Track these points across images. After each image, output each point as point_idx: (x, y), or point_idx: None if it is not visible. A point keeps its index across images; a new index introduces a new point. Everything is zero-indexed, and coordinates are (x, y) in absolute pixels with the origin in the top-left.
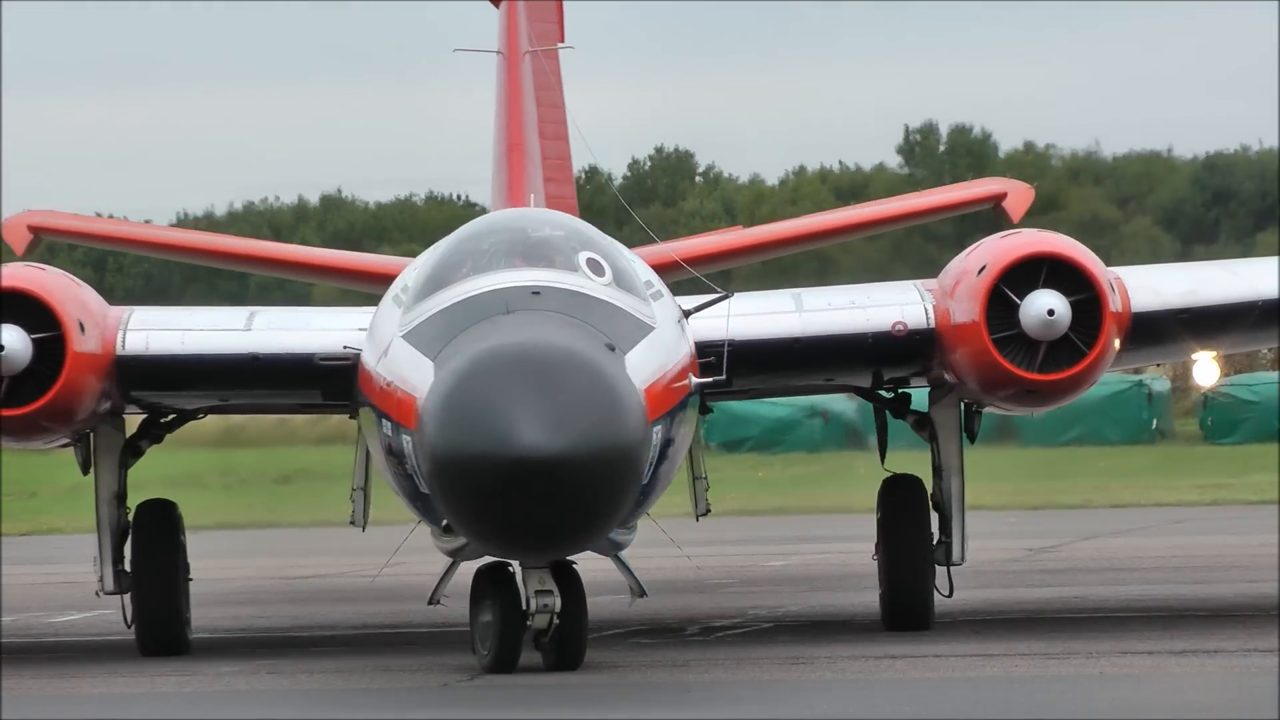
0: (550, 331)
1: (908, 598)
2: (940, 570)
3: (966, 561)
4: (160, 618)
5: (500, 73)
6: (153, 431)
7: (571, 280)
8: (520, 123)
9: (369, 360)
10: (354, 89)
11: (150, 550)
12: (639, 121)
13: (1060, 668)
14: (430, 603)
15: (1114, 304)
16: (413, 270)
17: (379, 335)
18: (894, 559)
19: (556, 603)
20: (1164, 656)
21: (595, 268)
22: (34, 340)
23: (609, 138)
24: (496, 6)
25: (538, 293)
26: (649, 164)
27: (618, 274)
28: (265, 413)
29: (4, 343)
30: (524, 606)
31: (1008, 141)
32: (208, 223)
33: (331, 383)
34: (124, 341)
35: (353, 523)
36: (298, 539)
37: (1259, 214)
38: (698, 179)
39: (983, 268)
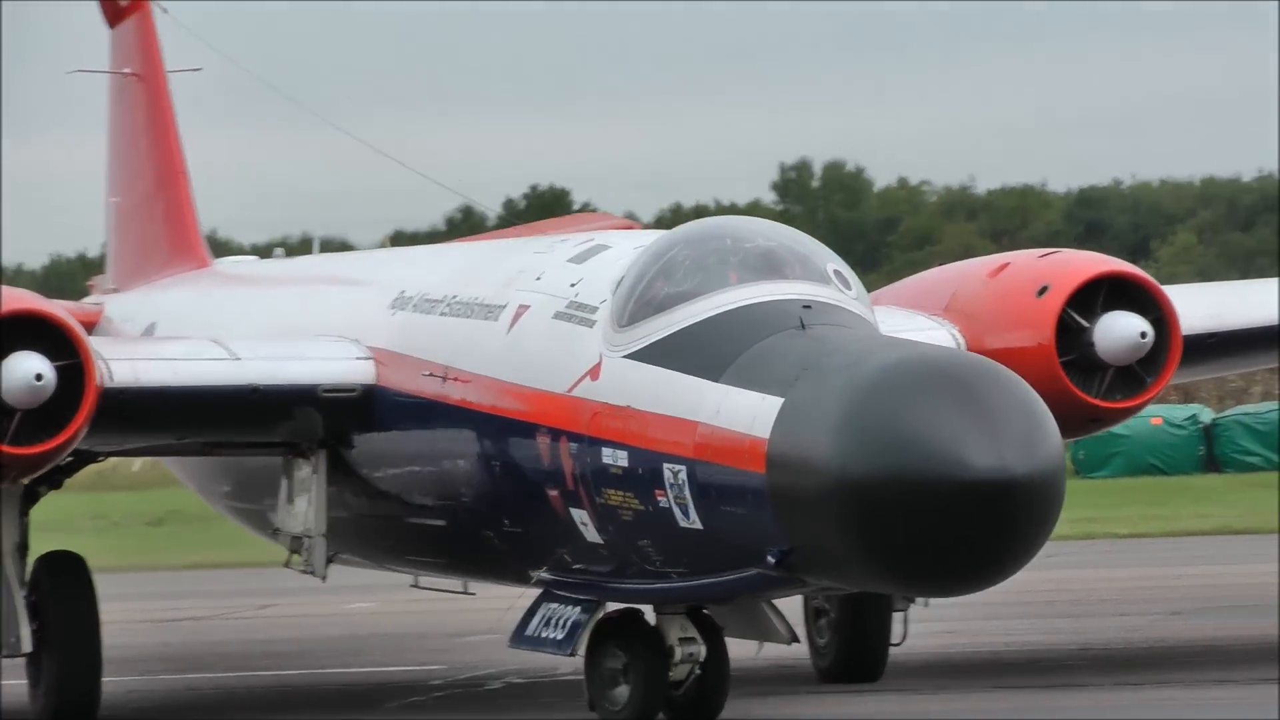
0: (917, 346)
1: (859, 646)
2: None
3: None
4: (75, 684)
5: (129, 96)
6: (55, 476)
7: (830, 294)
8: (179, 147)
9: (547, 386)
10: None
11: (60, 608)
12: (514, 161)
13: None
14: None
15: (1182, 327)
16: (580, 283)
17: (549, 359)
18: (848, 603)
19: (702, 651)
20: (1037, 692)
21: (843, 281)
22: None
23: (484, 177)
24: (113, 27)
25: (809, 307)
26: (524, 203)
27: (858, 288)
28: (231, 454)
29: (40, 370)
30: (667, 655)
31: (882, 178)
32: None
33: (335, 417)
34: (110, 371)
35: (310, 571)
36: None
37: (1132, 247)
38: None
39: (1044, 288)
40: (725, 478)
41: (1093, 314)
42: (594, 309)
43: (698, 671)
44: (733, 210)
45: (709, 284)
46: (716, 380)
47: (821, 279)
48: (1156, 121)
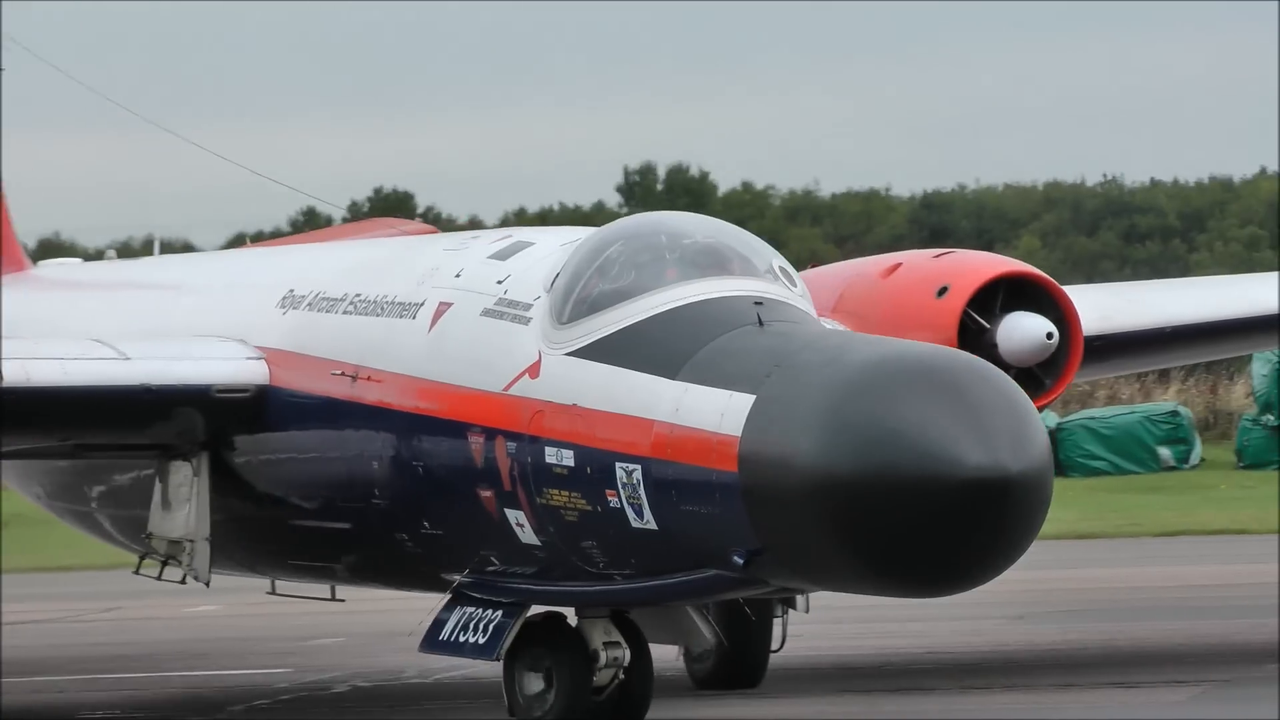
0: (894, 342)
1: (741, 652)
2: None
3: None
4: None
5: None
6: None
7: (779, 291)
8: None
9: (479, 385)
10: None
11: None
12: (358, 164)
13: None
14: None
15: (1084, 328)
16: (509, 280)
17: (480, 358)
18: (728, 609)
19: (626, 656)
20: (884, 696)
21: (788, 277)
22: None
23: (327, 180)
24: None
25: (760, 303)
26: (368, 206)
27: (801, 285)
28: (101, 457)
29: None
30: (591, 660)
31: (726, 181)
32: None
33: (225, 418)
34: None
35: (194, 579)
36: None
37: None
38: (417, 218)
39: (944, 289)
40: (688, 476)
41: (991, 315)
42: (527, 305)
43: (621, 677)
44: (576, 213)
45: (654, 280)
46: (672, 378)
47: (768, 275)
48: (1000, 126)
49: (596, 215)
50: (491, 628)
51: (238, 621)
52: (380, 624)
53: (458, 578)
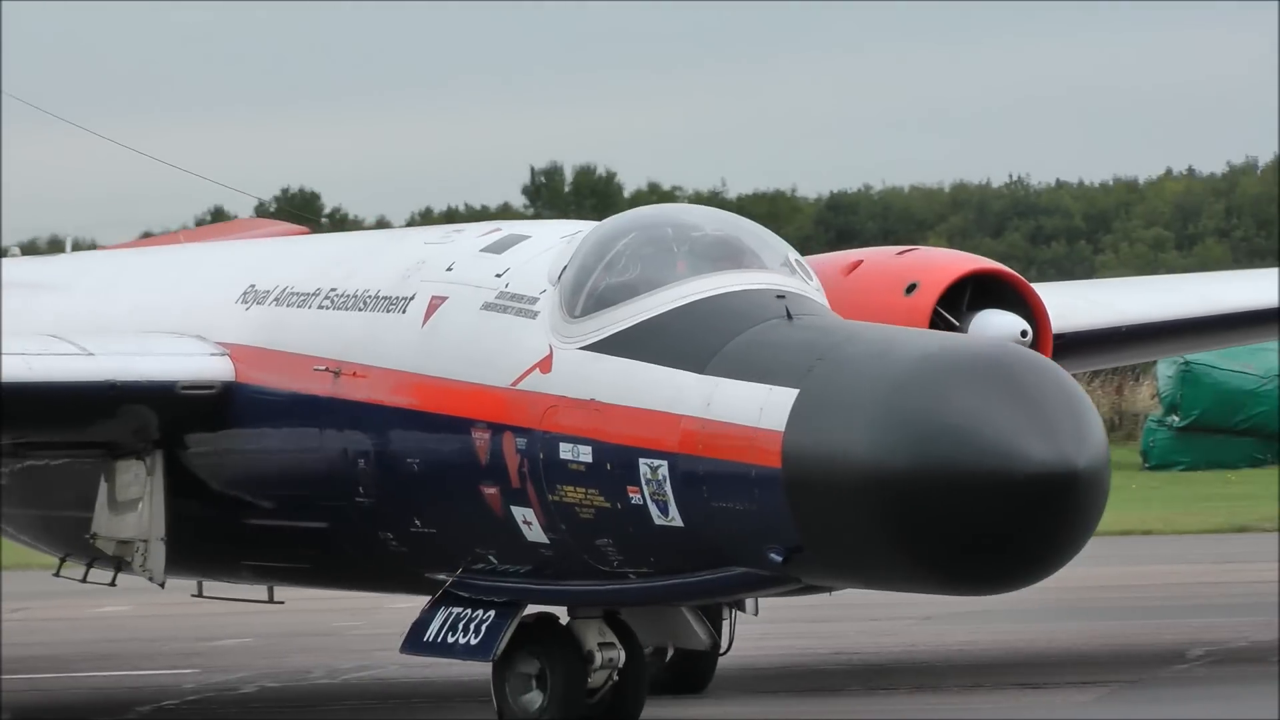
0: (942, 335)
1: (689, 654)
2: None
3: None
4: None
5: None
6: None
7: (797, 284)
8: None
9: (483, 380)
10: None
11: None
12: (266, 164)
13: None
14: None
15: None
16: (508, 273)
17: (483, 352)
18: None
19: (621, 657)
20: (799, 698)
21: (804, 271)
22: None
23: (233, 179)
24: None
25: (782, 296)
26: (274, 205)
27: (816, 279)
28: (43, 457)
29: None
30: (586, 661)
31: (633, 182)
32: None
33: (188, 416)
34: None
35: (150, 580)
36: None
37: None
38: (324, 220)
39: (913, 286)
40: (722, 472)
41: (959, 312)
42: (533, 299)
43: (615, 679)
44: (483, 214)
45: (670, 273)
46: (700, 372)
47: (784, 268)
48: (907, 127)
49: (502, 216)
50: (485, 628)
51: (145, 622)
52: (287, 625)
53: (444, 577)
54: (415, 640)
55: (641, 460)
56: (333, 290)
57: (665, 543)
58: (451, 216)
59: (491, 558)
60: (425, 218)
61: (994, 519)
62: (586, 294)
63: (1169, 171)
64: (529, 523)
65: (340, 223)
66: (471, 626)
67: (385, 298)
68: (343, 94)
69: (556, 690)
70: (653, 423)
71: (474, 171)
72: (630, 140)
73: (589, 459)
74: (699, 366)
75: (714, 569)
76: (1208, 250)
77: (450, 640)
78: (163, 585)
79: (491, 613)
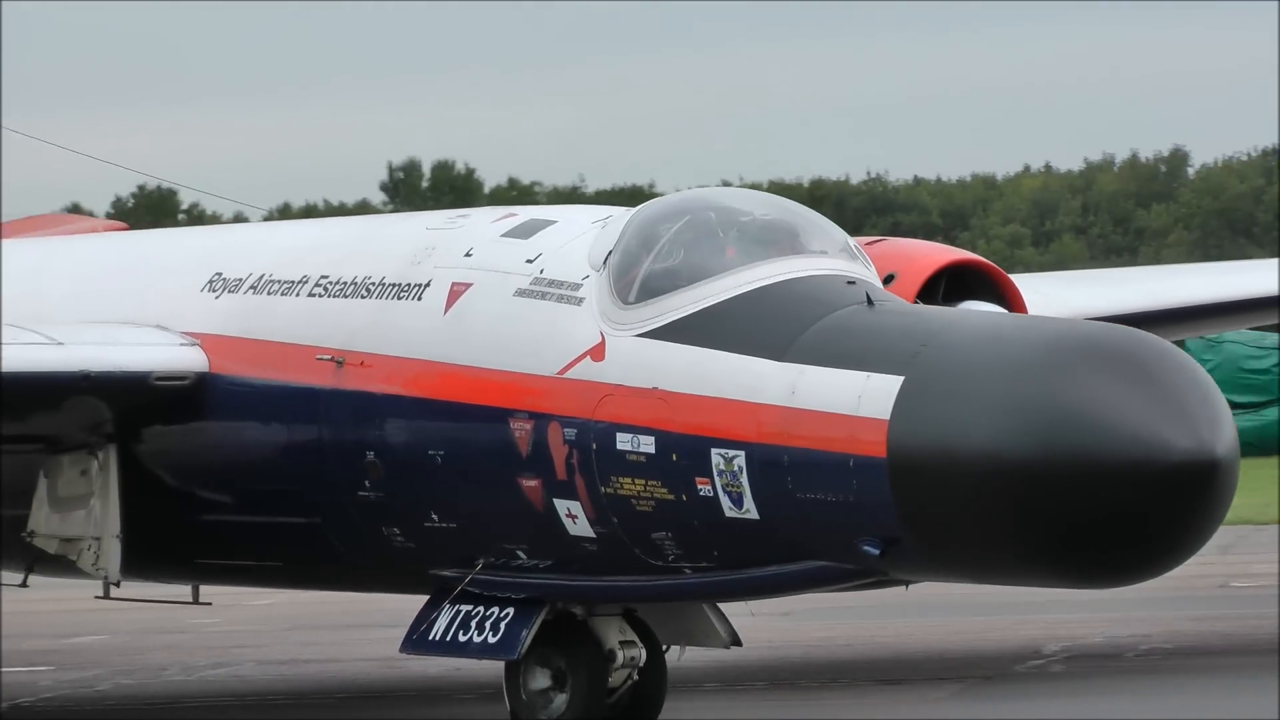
0: (1055, 320)
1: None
2: None
3: None
4: None
5: None
6: None
7: (860, 270)
8: None
9: (525, 368)
10: None
11: None
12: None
13: None
14: None
15: None
16: (541, 259)
17: (523, 340)
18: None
19: (642, 655)
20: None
21: (863, 256)
22: None
23: (90, 175)
24: None
25: (853, 283)
26: (132, 202)
27: (871, 264)
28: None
29: None
30: (608, 660)
31: (492, 178)
32: None
33: (159, 406)
34: None
35: (105, 578)
36: None
37: None
38: (181, 216)
39: (890, 277)
40: (812, 462)
41: (935, 303)
42: (575, 285)
43: (635, 678)
44: (341, 209)
45: (733, 258)
46: (780, 360)
47: (844, 253)
48: (766, 123)
49: (360, 212)
50: (504, 626)
51: (5, 620)
52: (141, 621)
53: (451, 574)
54: (420, 640)
55: (714, 450)
56: (324, 278)
57: (735, 536)
58: (309, 212)
59: (521, 553)
60: (283, 214)
61: (1133, 509)
62: (641, 280)
63: (1027, 168)
64: (573, 516)
65: (198, 219)
66: (488, 624)
67: (394, 285)
68: (201, 93)
69: (579, 690)
70: (727, 412)
71: (333, 168)
72: (489, 137)
73: (651, 449)
74: (778, 354)
75: (787, 562)
76: (1064, 247)
77: (463, 639)
78: (118, 584)
79: (510, 610)
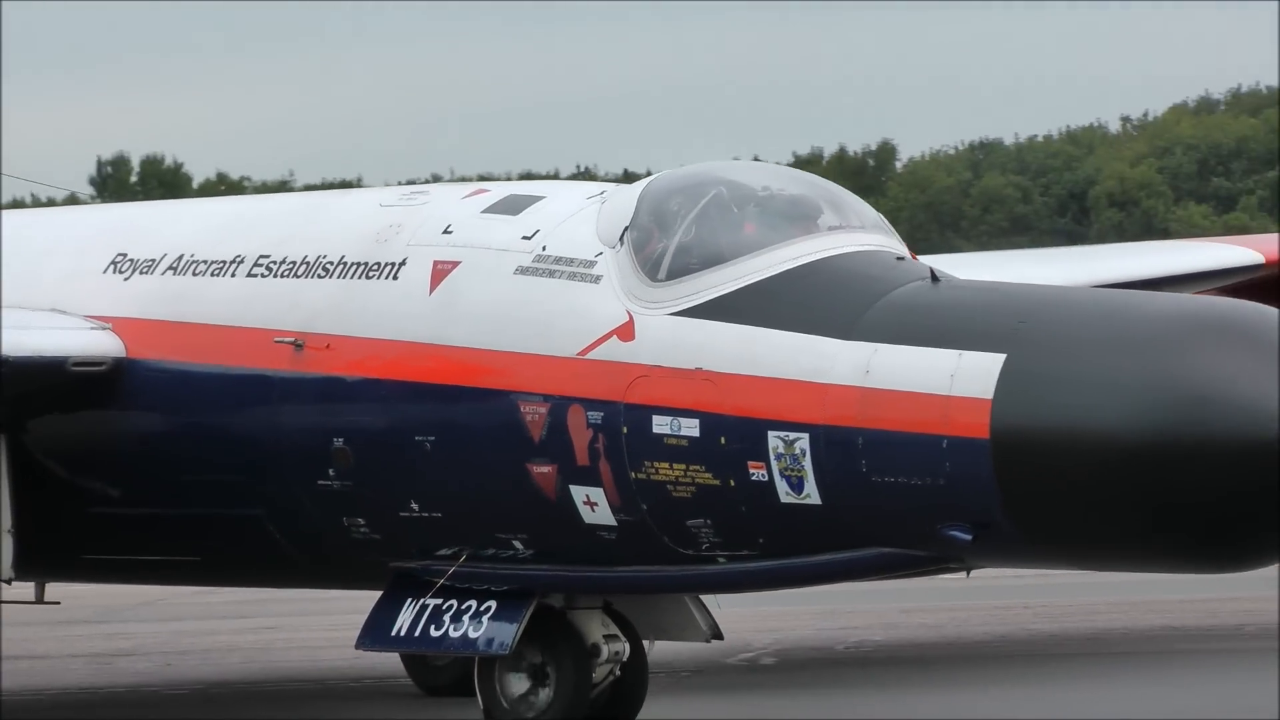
0: (1152, 295)
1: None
2: None
3: None
4: None
5: None
6: None
7: (899, 246)
8: None
9: (537, 349)
10: None
11: None
12: None
13: None
14: None
15: None
16: (538, 235)
17: (532, 320)
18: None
19: (625, 650)
20: None
21: (895, 231)
22: None
23: None
24: None
25: (901, 259)
26: None
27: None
28: None
29: None
30: (592, 655)
31: (201, 172)
32: None
33: (72, 394)
34: None
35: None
36: None
37: None
38: None
39: None
40: (894, 444)
41: None
42: (588, 262)
43: (616, 673)
44: (52, 203)
45: (771, 233)
46: (846, 338)
47: (881, 229)
48: (474, 119)
49: (70, 204)
50: (487, 619)
51: None
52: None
53: (415, 566)
54: (379, 635)
55: (772, 433)
56: (264, 257)
57: (789, 522)
58: (18, 204)
59: (518, 543)
60: None
61: (1269, 491)
62: (672, 256)
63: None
64: (593, 503)
65: None
66: (466, 618)
67: (358, 264)
68: None
69: (564, 686)
70: (787, 393)
71: (40, 162)
72: (198, 131)
73: (694, 433)
74: (843, 332)
75: (845, 549)
76: None
77: (435, 633)
78: (10, 582)
79: (491, 603)
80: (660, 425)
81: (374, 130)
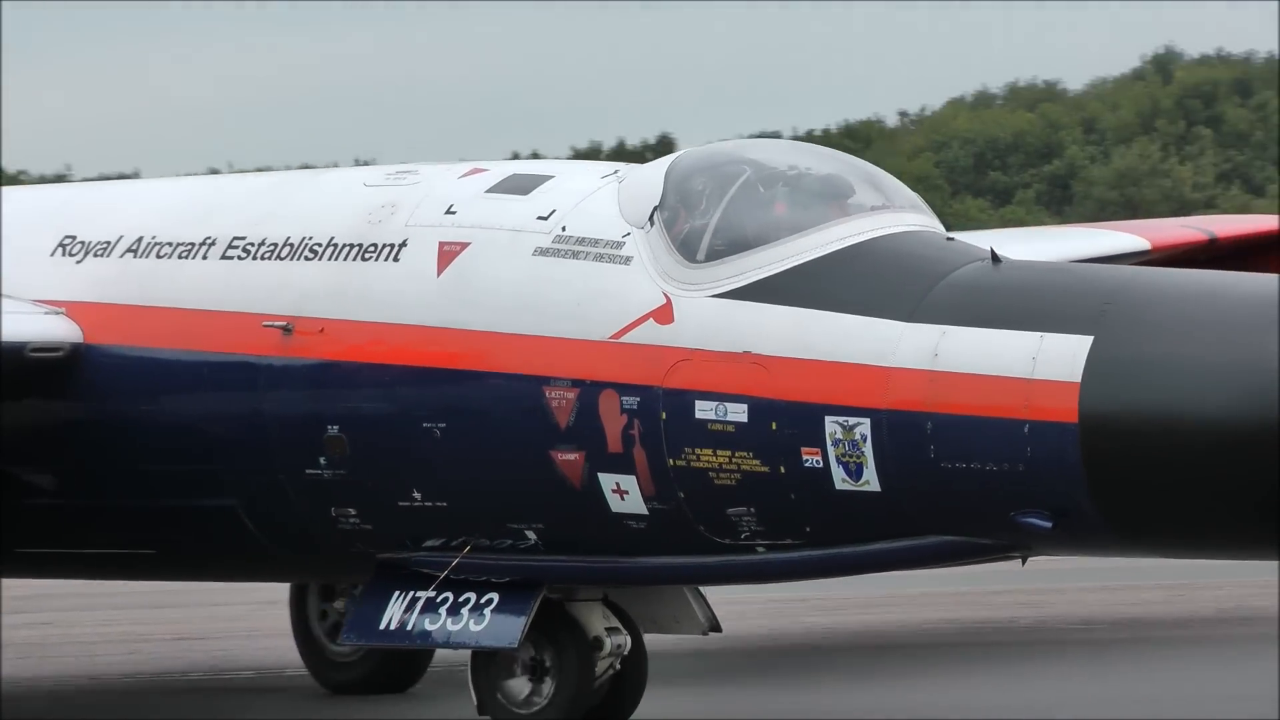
0: (1241, 276)
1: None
2: None
3: None
4: None
5: None
6: None
7: (940, 227)
8: None
9: (565, 332)
10: None
11: None
12: None
13: None
14: None
15: None
16: (555, 215)
17: (557, 302)
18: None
19: (628, 643)
20: None
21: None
22: None
23: None
24: None
25: (951, 239)
26: None
27: None
28: None
29: None
30: (595, 648)
31: None
32: None
33: (39, 381)
34: None
35: None
36: None
37: None
38: None
39: None
40: (967, 429)
41: None
42: (616, 243)
43: (617, 667)
44: None
45: (814, 214)
46: (910, 320)
47: (918, 209)
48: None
49: None
50: (490, 612)
51: None
52: None
53: (409, 556)
54: (366, 629)
55: (829, 418)
56: (240, 239)
57: (843, 509)
58: None
59: (531, 533)
60: None
61: None
62: (710, 237)
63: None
64: (623, 491)
65: None
66: (465, 610)
67: (351, 245)
68: None
69: (567, 681)
70: (847, 377)
71: None
72: None
73: (742, 418)
74: (905, 315)
75: (902, 537)
76: None
77: (430, 626)
78: None
79: (493, 594)
80: (704, 411)
81: (151, 124)
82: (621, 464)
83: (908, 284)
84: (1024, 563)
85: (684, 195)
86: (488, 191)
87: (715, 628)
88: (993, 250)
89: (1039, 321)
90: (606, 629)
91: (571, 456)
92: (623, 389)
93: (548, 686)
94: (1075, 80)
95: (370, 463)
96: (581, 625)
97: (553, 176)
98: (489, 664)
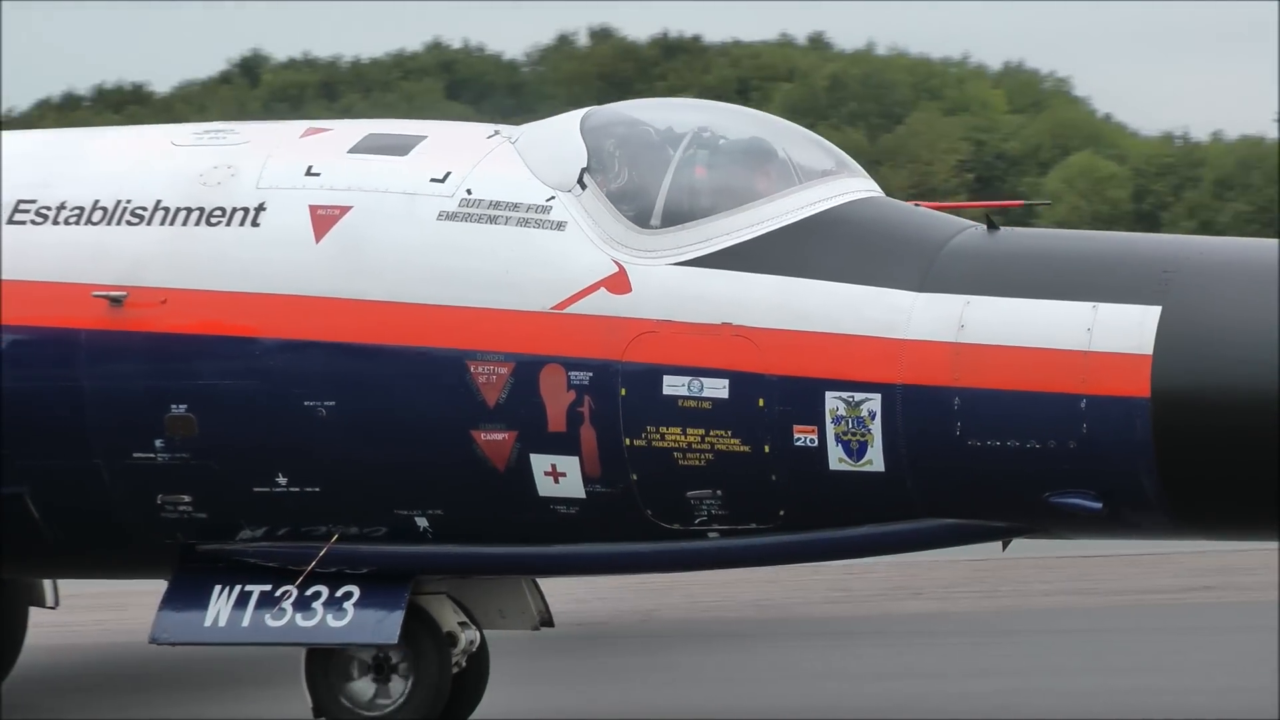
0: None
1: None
2: None
3: None
4: None
5: None
6: None
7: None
8: None
9: (494, 303)
10: None
11: None
12: None
13: None
14: None
15: None
16: (452, 177)
17: (476, 270)
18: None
19: (478, 638)
20: None
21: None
22: None
23: None
24: None
25: (917, 204)
26: None
27: None
28: None
29: None
30: (449, 644)
31: None
32: None
33: None
34: None
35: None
36: None
37: None
38: None
39: None
40: (1006, 405)
41: None
42: (540, 207)
43: (462, 664)
44: None
45: (785, 176)
46: (921, 290)
47: (866, 174)
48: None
49: None
50: (351, 606)
51: None
52: None
53: (231, 548)
54: (185, 628)
55: (831, 394)
56: (30, 203)
57: (830, 491)
58: None
59: (422, 520)
60: None
61: None
62: (664, 201)
63: None
64: (559, 474)
65: None
66: (318, 604)
67: (189, 209)
68: None
69: (426, 678)
70: (852, 350)
71: None
72: None
73: (722, 394)
74: (913, 284)
75: (899, 520)
76: None
77: (274, 624)
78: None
79: (352, 588)
80: (674, 386)
81: None
82: (562, 444)
83: (905, 252)
84: (1004, 547)
85: (619, 156)
86: (350, 152)
87: (547, 622)
88: (989, 218)
89: (1086, 291)
90: (459, 624)
91: (499, 436)
92: (570, 364)
93: (398, 685)
94: (164, 83)
95: (224, 445)
96: (435, 620)
97: (426, 136)
98: (326, 664)
